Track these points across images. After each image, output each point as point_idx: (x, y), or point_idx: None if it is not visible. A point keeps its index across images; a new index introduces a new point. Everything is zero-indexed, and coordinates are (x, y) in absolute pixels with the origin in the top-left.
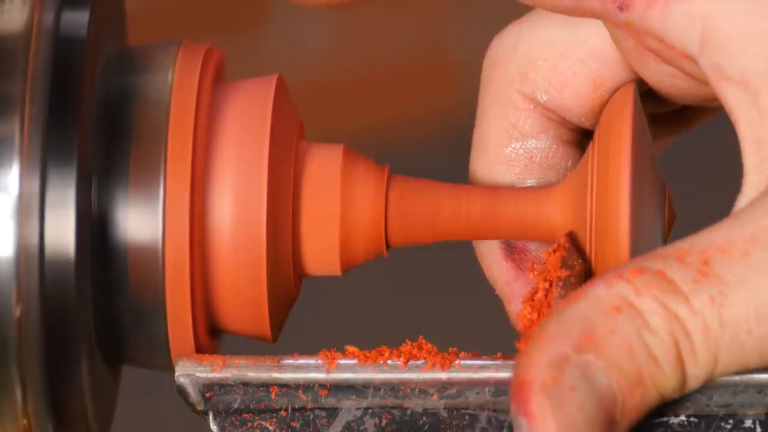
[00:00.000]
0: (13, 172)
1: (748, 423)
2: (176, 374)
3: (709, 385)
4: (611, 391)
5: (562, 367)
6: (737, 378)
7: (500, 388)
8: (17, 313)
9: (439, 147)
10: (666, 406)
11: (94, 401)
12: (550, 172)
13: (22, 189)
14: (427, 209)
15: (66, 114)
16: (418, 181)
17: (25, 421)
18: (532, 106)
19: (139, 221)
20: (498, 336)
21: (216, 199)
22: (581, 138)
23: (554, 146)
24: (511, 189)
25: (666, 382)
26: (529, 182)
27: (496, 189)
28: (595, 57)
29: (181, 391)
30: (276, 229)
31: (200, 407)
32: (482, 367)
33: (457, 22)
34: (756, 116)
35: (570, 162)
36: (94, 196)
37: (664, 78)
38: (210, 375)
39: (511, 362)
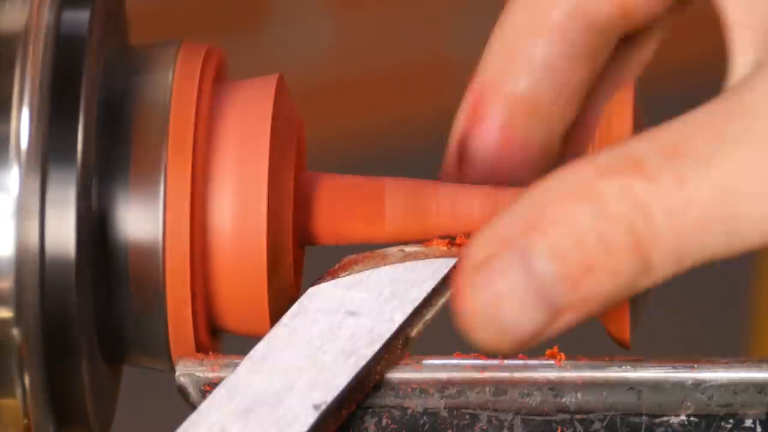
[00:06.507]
0: (13, 172)
1: (749, 423)
2: (176, 374)
3: (709, 384)
4: (552, 278)
5: (499, 249)
6: (737, 377)
7: (500, 387)
8: (17, 313)
9: (440, 147)
10: (666, 406)
11: (94, 401)
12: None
13: (22, 189)
14: (427, 209)
15: (66, 114)
16: (416, 182)
17: (25, 421)
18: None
19: (139, 221)
20: None
21: (216, 199)
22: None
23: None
24: (511, 189)
25: (622, 269)
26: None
27: (496, 189)
28: None
29: (181, 390)
30: (276, 229)
31: None
32: (483, 367)
33: (457, 22)
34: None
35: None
36: (94, 196)
37: None
38: (210, 375)
39: (511, 362)
